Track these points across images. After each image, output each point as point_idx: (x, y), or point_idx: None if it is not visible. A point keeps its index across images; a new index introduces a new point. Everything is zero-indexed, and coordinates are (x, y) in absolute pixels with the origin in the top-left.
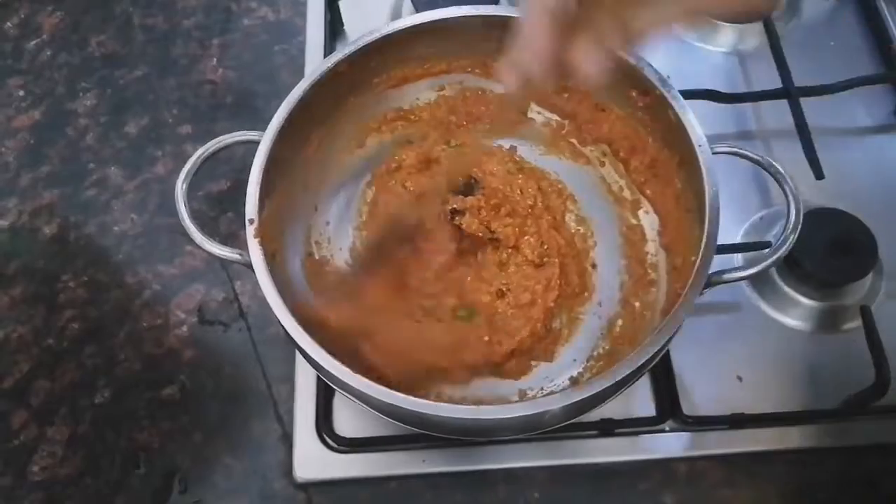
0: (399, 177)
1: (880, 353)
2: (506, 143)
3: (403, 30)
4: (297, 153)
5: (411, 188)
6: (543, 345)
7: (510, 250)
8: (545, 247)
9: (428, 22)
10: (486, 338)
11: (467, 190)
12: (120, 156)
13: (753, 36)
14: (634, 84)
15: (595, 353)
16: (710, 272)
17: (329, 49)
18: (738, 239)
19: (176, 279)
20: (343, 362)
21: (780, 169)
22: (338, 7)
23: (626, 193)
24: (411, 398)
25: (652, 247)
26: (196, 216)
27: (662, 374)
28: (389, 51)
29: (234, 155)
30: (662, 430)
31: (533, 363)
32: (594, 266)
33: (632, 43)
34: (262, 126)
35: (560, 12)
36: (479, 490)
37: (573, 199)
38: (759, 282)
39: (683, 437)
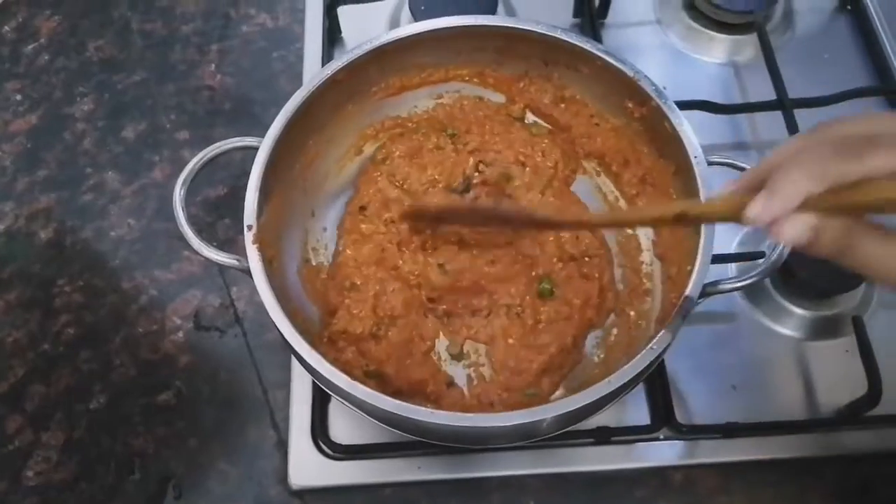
0: (385, 168)
1: (872, 363)
2: None
3: (402, 39)
4: (295, 159)
5: (399, 181)
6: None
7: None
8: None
9: (426, 31)
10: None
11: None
12: (117, 161)
13: (749, 48)
14: (630, 95)
15: (590, 362)
16: (704, 282)
17: (327, 56)
18: (732, 249)
19: (172, 284)
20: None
21: None
22: (336, 14)
23: (622, 203)
24: (407, 405)
25: (647, 256)
26: (193, 222)
27: (657, 383)
28: (388, 59)
29: (232, 161)
30: (657, 439)
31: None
32: None
33: (843, 261)
34: (259, 132)
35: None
36: (474, 498)
37: None
38: (753, 292)
39: (678, 445)
